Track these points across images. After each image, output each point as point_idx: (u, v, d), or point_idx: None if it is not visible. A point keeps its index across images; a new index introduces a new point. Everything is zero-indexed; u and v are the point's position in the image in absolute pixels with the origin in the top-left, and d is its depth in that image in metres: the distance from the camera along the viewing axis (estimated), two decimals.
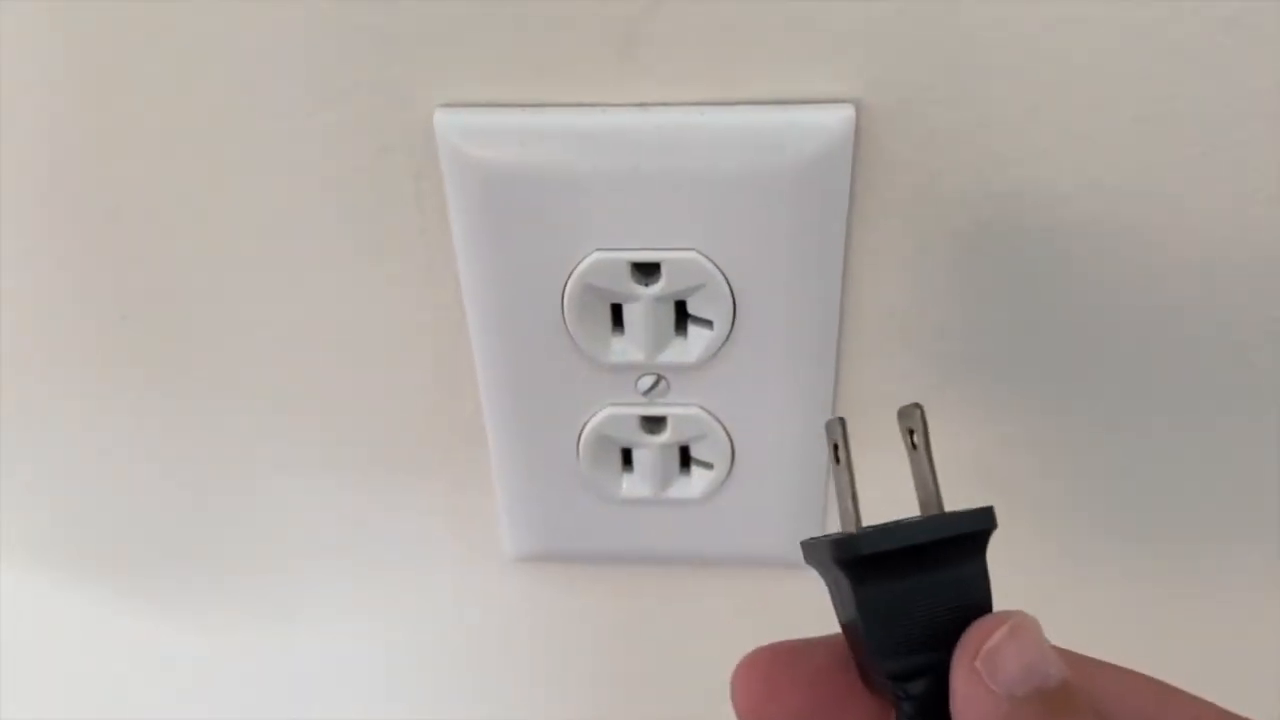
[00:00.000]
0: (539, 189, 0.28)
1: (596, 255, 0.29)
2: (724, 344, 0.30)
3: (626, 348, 0.30)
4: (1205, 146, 0.27)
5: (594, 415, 0.32)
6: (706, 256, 0.28)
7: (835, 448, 0.23)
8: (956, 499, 0.34)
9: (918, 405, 0.23)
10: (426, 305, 0.32)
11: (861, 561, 0.21)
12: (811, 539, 0.23)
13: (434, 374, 0.33)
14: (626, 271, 0.29)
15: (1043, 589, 0.37)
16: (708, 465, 0.33)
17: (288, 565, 0.39)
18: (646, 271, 0.29)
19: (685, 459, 0.33)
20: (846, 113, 0.27)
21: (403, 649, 0.42)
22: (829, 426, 0.23)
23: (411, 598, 0.40)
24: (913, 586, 0.22)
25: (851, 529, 0.22)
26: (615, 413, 0.32)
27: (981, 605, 0.22)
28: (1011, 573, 0.35)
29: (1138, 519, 0.35)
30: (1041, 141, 0.27)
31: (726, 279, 0.29)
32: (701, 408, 0.31)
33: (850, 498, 0.22)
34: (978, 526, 0.22)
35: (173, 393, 0.35)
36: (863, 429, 0.32)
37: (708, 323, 0.30)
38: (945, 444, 0.33)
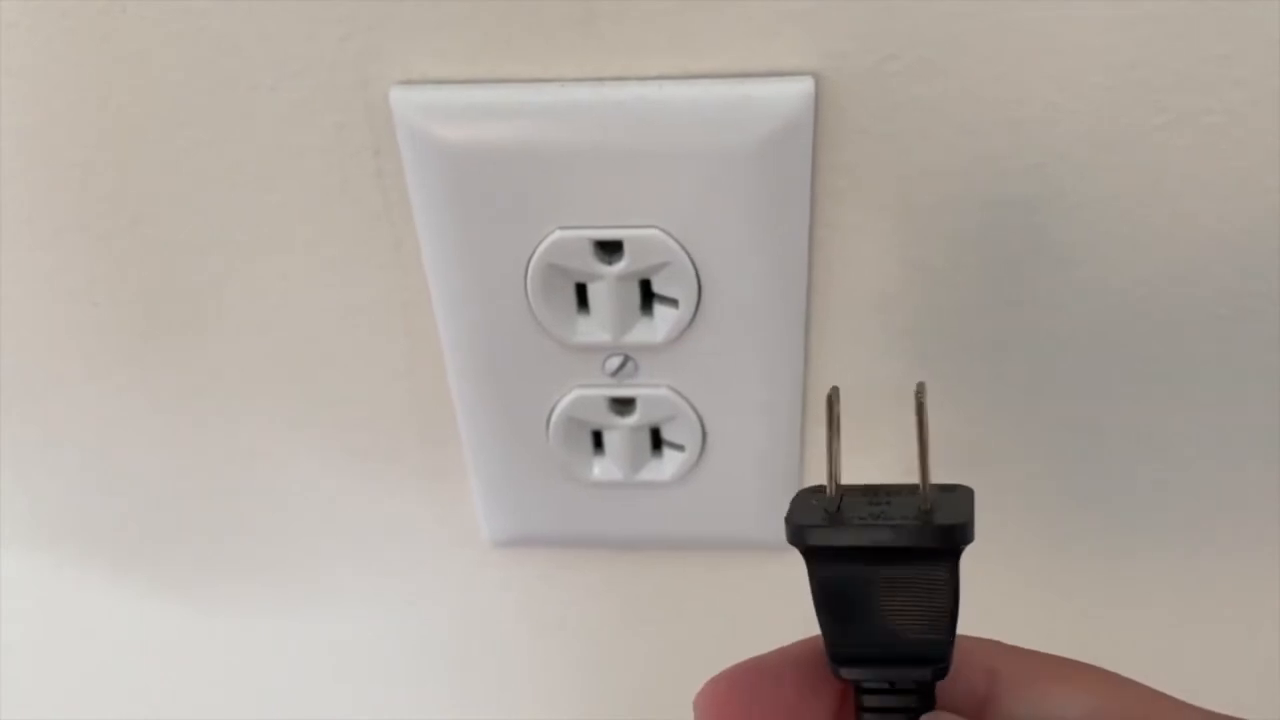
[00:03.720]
0: (497, 167, 0.27)
1: (558, 234, 0.28)
2: (690, 323, 0.30)
3: (592, 328, 0.30)
4: (1174, 114, 0.26)
5: (562, 397, 0.32)
6: (669, 234, 0.28)
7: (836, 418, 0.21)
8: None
9: (921, 383, 0.21)
10: (395, 286, 0.31)
11: (810, 550, 0.20)
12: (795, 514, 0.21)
13: (406, 356, 0.33)
14: (589, 250, 0.28)
15: (1013, 580, 0.36)
16: (679, 447, 0.32)
17: (265, 553, 0.39)
18: (610, 250, 0.29)
19: (657, 441, 0.33)
20: (806, 85, 0.26)
21: (384, 635, 0.41)
22: (834, 394, 0.21)
23: (392, 583, 0.39)
24: (869, 587, 0.20)
25: (819, 510, 0.21)
26: (584, 394, 0.31)
27: (941, 620, 0.20)
28: (982, 562, 0.35)
29: (1117, 507, 0.34)
30: (1008, 111, 0.27)
31: (690, 256, 0.28)
32: (670, 388, 0.31)
33: (832, 477, 0.21)
34: (940, 543, 0.20)
35: (146, 377, 0.35)
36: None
37: (673, 301, 0.29)
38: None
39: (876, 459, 0.33)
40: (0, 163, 0.30)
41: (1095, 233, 0.28)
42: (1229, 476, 0.33)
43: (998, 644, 0.22)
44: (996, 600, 0.37)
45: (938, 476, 0.33)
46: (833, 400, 0.21)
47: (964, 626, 0.37)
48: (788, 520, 0.20)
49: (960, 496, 0.21)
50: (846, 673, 0.21)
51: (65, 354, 0.34)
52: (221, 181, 0.30)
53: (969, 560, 0.36)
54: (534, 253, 0.29)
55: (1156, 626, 0.38)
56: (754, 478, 0.33)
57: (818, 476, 0.34)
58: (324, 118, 0.28)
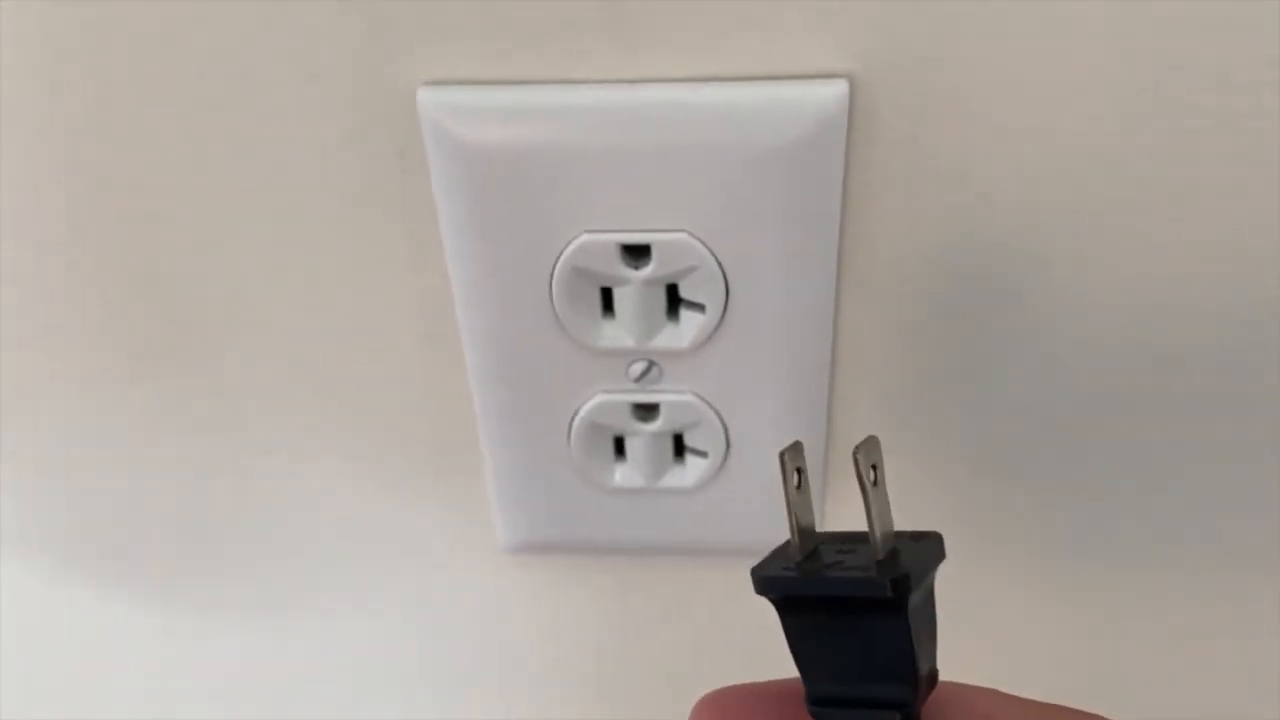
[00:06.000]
0: (525, 169, 0.27)
1: (585, 237, 0.28)
2: (717, 328, 0.29)
3: (617, 333, 0.30)
4: (1212, 118, 0.26)
5: (585, 403, 0.31)
6: (697, 238, 0.28)
7: (799, 471, 0.22)
8: (950, 491, 0.33)
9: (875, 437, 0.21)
10: (416, 289, 0.31)
11: (776, 600, 0.21)
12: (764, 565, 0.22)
13: (426, 360, 0.32)
14: (616, 254, 0.28)
15: (1028, 596, 0.36)
16: (701, 454, 0.32)
17: (278, 558, 0.39)
18: (636, 254, 0.28)
19: (679, 448, 0.33)
20: (839, 88, 0.26)
21: (396, 640, 0.41)
22: (788, 454, 0.22)
23: (406, 589, 0.39)
24: (835, 634, 0.21)
25: (790, 559, 0.22)
26: (607, 400, 0.31)
27: (903, 665, 0.20)
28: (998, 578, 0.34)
29: (1127, 522, 0.34)
30: (1042, 111, 0.26)
31: (718, 261, 0.28)
32: (695, 394, 0.31)
33: (794, 529, 0.22)
34: (877, 594, 0.20)
35: (158, 378, 0.34)
36: (861, 423, 0.32)
37: (700, 307, 0.29)
38: (944, 433, 0.32)
39: (902, 470, 0.33)
40: (7, 159, 0.29)
41: (1126, 236, 0.28)
42: (1239, 488, 0.33)
43: (996, 692, 0.22)
44: (1012, 616, 0.37)
45: (953, 490, 0.33)
46: (786, 458, 0.21)
47: (981, 646, 0.37)
48: (752, 572, 0.21)
49: (924, 546, 0.21)
50: (823, 715, 0.21)
51: (69, 356, 0.34)
52: (239, 180, 0.29)
53: (984, 579, 0.36)
54: (560, 256, 0.28)
55: (1170, 640, 0.37)
56: (777, 486, 0.32)
57: (840, 486, 0.34)
58: (347, 117, 0.28)
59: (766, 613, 0.37)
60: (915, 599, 0.20)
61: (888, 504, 0.21)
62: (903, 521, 0.22)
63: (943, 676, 0.23)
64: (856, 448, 0.20)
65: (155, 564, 0.40)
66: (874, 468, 0.20)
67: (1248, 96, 0.26)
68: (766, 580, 0.21)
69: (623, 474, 0.33)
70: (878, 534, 0.20)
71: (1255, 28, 0.25)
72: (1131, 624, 0.37)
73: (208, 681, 0.44)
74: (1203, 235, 0.28)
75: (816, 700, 0.21)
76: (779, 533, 0.34)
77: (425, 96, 0.27)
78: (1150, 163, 0.27)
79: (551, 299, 0.29)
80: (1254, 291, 0.29)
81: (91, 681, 0.45)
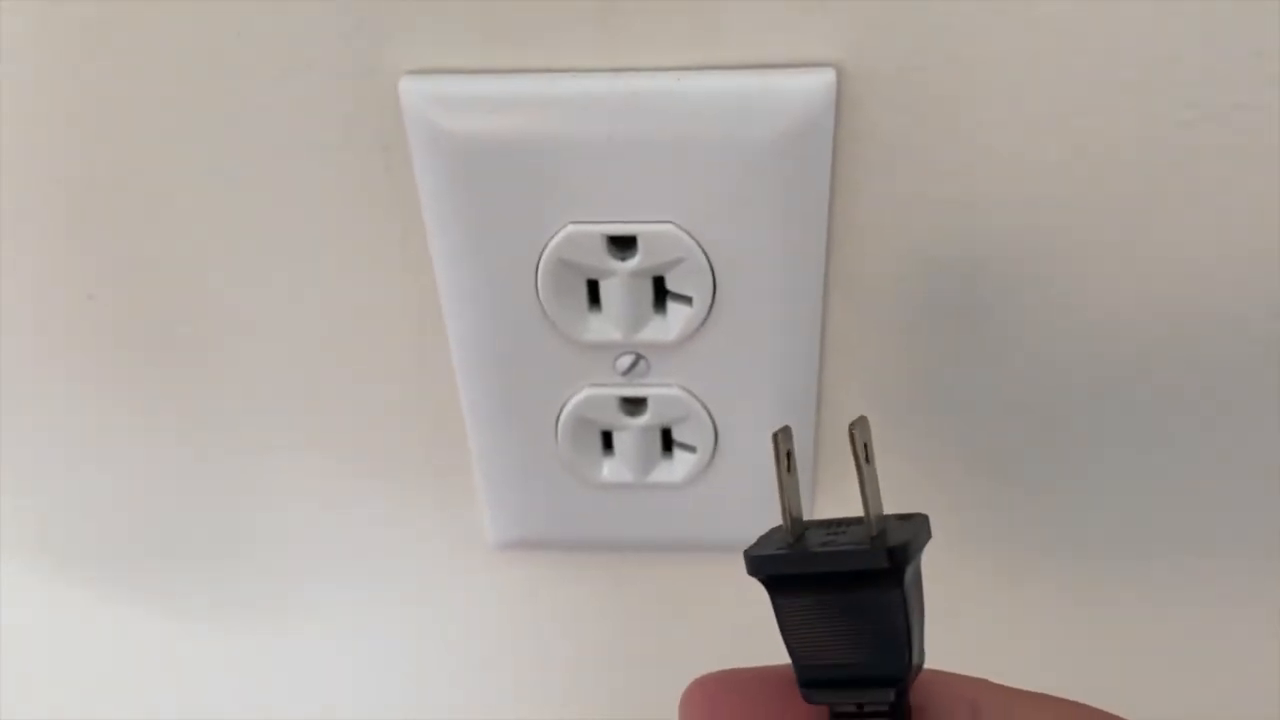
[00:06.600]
0: (510, 159, 0.27)
1: (570, 229, 0.28)
2: (704, 321, 0.29)
3: (604, 325, 0.29)
4: (1203, 112, 0.26)
5: (572, 397, 0.31)
6: (684, 229, 0.27)
7: (788, 455, 0.22)
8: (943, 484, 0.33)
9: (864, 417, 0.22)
10: (403, 283, 0.31)
11: (770, 580, 0.21)
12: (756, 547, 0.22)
13: (413, 355, 0.32)
14: (602, 245, 0.28)
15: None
16: (690, 448, 0.32)
17: (275, 557, 0.39)
18: (623, 246, 0.28)
19: (668, 442, 0.32)
20: (827, 77, 0.26)
21: (385, 638, 0.41)
22: (780, 435, 0.22)
23: (395, 586, 0.39)
24: (827, 613, 0.21)
25: (783, 541, 0.22)
26: (594, 394, 0.31)
27: (897, 640, 0.21)
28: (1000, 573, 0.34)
29: (1132, 517, 0.34)
30: (1032, 107, 0.26)
31: (705, 253, 0.28)
32: (682, 388, 0.30)
33: (786, 511, 0.22)
34: (875, 565, 0.20)
35: (155, 379, 0.34)
36: (851, 418, 0.32)
37: (687, 299, 0.29)
38: (934, 431, 0.32)
39: (896, 468, 0.32)
40: (4, 158, 0.29)
41: (1119, 233, 0.28)
42: (1236, 488, 0.33)
43: (982, 680, 0.22)
44: (1006, 614, 0.37)
45: (946, 488, 0.33)
46: (779, 439, 0.22)
47: (975, 643, 0.37)
48: (746, 554, 0.22)
49: (914, 523, 0.21)
50: (815, 697, 0.21)
51: (67, 355, 0.34)
52: (225, 177, 0.29)
53: (979, 577, 0.36)
54: (545, 248, 0.28)
55: (1166, 639, 0.37)
56: (766, 480, 0.32)
57: (830, 478, 0.33)
58: (332, 111, 0.28)
59: (760, 605, 0.37)
60: (908, 575, 0.20)
61: (878, 483, 0.21)
62: None
63: (933, 670, 0.23)
64: (852, 424, 0.21)
65: (155, 564, 0.40)
66: (865, 446, 0.21)
67: (1241, 90, 0.25)
68: (760, 560, 0.21)
69: (611, 469, 0.32)
70: (871, 510, 0.21)
71: (1250, 21, 0.24)
72: (1127, 623, 0.37)
73: (205, 681, 0.44)
74: (1198, 233, 0.28)
75: (808, 682, 0.21)
76: (768, 527, 0.34)
77: (408, 86, 0.27)
78: (1144, 159, 0.27)
79: (537, 291, 0.29)
80: (1251, 289, 0.29)
81: (91, 681, 0.45)
